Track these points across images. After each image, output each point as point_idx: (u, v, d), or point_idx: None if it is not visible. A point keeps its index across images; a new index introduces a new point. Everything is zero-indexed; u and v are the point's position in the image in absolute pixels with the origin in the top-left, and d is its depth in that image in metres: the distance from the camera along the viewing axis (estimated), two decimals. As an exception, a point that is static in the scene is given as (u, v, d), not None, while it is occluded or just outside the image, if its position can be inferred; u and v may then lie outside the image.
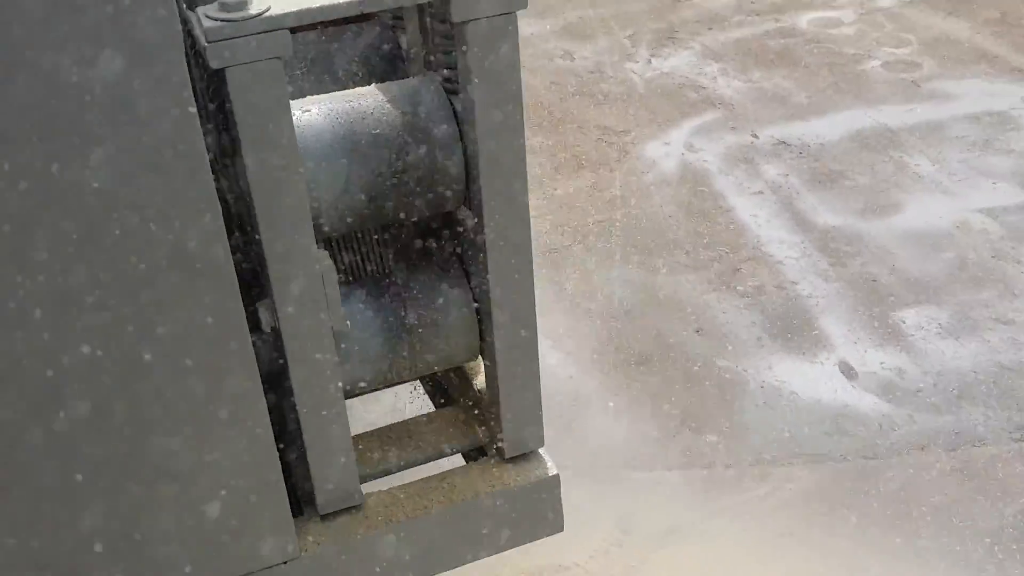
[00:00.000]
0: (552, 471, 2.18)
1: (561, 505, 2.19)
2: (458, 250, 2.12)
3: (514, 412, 2.11)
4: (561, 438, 4.20)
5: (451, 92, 1.95)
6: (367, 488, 2.12)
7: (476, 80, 1.79)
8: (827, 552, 3.83)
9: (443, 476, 2.14)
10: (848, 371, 4.56)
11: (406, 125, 1.89)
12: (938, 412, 4.35)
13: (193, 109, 1.58)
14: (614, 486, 4.08)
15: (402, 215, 1.95)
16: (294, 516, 1.99)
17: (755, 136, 6.27)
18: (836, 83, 6.77)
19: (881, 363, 4.58)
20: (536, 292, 2.06)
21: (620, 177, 5.98)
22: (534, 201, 5.55)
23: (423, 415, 2.31)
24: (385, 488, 2.13)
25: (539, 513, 2.18)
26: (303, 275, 1.81)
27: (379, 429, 2.23)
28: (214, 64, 1.61)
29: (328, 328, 1.87)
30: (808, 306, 4.93)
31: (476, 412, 2.26)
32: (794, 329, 4.81)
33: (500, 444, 2.16)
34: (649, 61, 7.24)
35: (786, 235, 5.42)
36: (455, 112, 1.92)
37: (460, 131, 1.91)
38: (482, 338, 2.10)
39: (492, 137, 1.85)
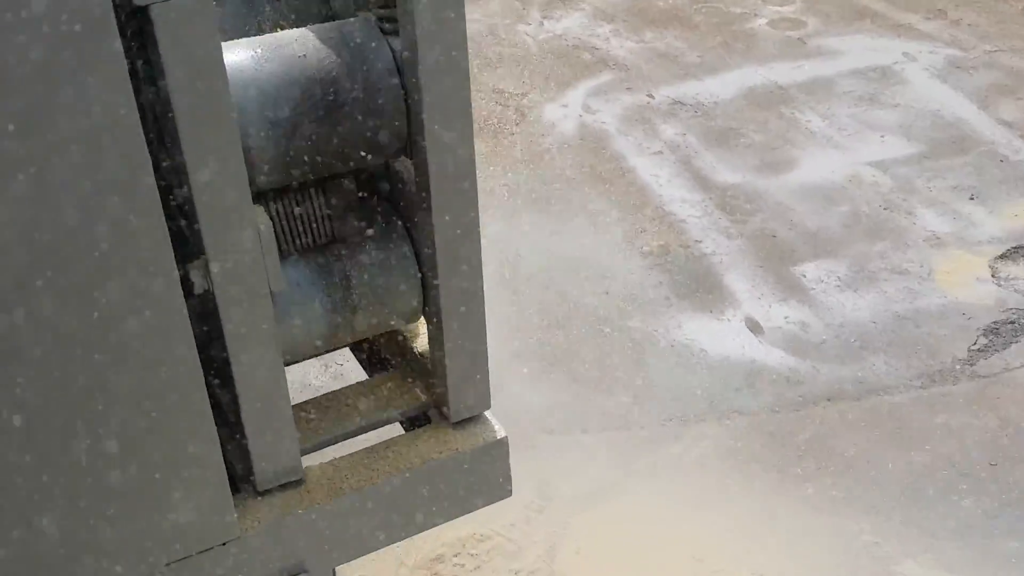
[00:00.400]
0: (500, 434, 2.09)
1: (510, 468, 2.10)
2: (401, 207, 2.00)
3: (460, 374, 2.01)
4: (475, 406, 4.12)
5: (386, 33, 1.83)
6: (306, 461, 1.99)
7: (418, 11, 1.67)
8: (744, 505, 3.86)
9: (387, 444, 2.03)
10: (754, 326, 4.60)
11: (342, 67, 1.77)
12: (842, 363, 4.43)
13: (120, 51, 1.44)
14: (532, 452, 4.02)
15: (340, 164, 1.82)
16: (232, 494, 1.85)
17: (651, 96, 6.26)
18: (725, 42, 6.82)
19: (785, 317, 4.64)
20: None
21: (520, 141, 5.90)
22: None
23: (359, 383, 2.18)
24: (327, 460, 2.01)
25: (488, 478, 2.09)
26: (239, 232, 1.67)
27: (315, 398, 2.10)
28: (139, 1, 1.46)
29: (266, 289, 1.73)
30: (712, 264, 4.96)
31: (418, 376, 2.15)
32: (700, 287, 4.83)
33: (445, 409, 2.05)
34: (541, 23, 7.16)
35: (687, 194, 5.43)
36: (393, 52, 1.80)
37: (400, 72, 1.79)
38: (425, 297, 1.99)
39: (435, 74, 1.73)
